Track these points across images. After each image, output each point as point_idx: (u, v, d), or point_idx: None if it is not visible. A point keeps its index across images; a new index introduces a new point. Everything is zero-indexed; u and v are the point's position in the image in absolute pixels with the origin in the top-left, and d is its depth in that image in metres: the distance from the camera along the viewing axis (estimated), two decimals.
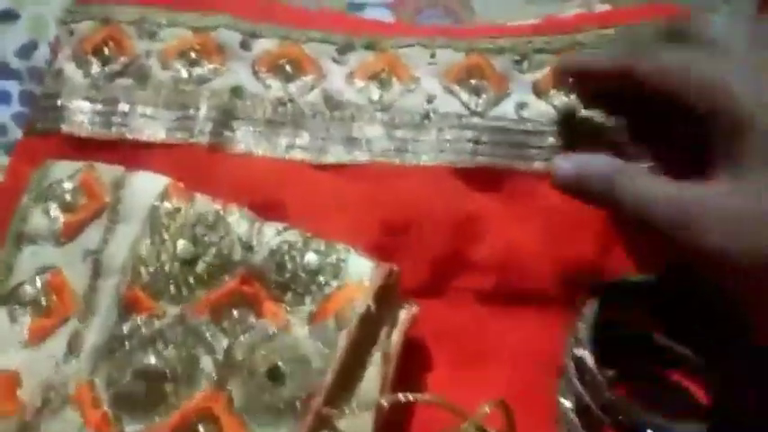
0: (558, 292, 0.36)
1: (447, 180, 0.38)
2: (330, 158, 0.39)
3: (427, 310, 0.34)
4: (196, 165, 0.38)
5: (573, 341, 0.33)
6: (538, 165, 0.38)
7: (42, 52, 0.44)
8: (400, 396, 0.30)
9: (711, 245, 0.26)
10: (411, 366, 0.34)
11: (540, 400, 0.32)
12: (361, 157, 0.39)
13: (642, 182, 0.29)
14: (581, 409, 0.32)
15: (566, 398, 0.33)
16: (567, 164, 0.32)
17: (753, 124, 0.26)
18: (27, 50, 0.44)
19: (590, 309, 0.33)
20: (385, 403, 0.29)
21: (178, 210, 0.32)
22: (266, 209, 0.36)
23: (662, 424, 0.30)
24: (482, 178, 0.38)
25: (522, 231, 0.37)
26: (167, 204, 0.33)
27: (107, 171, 0.34)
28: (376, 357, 0.31)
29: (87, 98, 0.39)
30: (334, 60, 0.42)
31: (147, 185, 0.34)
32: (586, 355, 0.32)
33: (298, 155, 0.39)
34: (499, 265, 0.37)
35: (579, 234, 0.36)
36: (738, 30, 0.29)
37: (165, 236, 0.32)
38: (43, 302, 0.32)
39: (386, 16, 0.46)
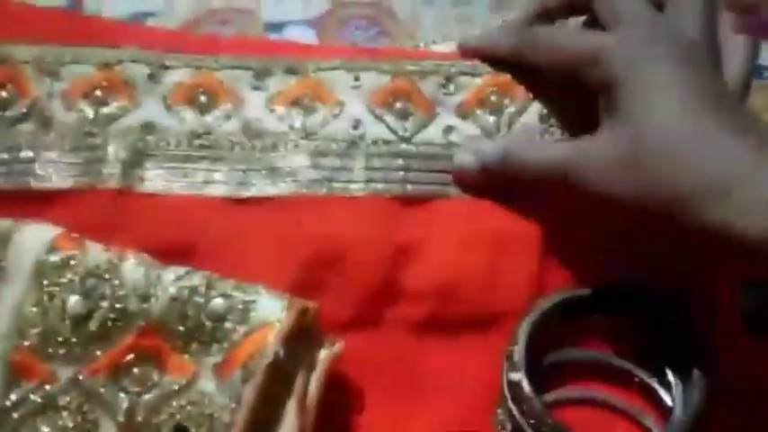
0: (495, 316, 0.33)
1: (376, 209, 0.36)
2: (251, 191, 0.37)
3: (358, 345, 0.32)
4: (105, 211, 0.35)
5: (507, 365, 0.30)
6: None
7: None
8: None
9: (594, 189, 0.29)
10: (342, 408, 0.31)
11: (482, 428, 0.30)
12: (285, 188, 0.37)
13: (530, 147, 0.34)
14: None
15: (503, 427, 0.30)
16: (468, 157, 0.35)
17: (624, 83, 0.29)
18: None
19: (524, 330, 0.31)
20: None
21: (67, 262, 0.30)
22: (181, 252, 0.33)
23: None
24: (412, 206, 0.36)
25: (455, 257, 0.35)
26: (55, 257, 0.30)
27: None
28: (291, 406, 0.28)
29: None
30: (252, 87, 0.39)
31: (33, 238, 0.30)
32: (522, 378, 0.29)
33: (216, 190, 0.37)
34: (433, 293, 0.34)
35: (514, 258, 0.34)
36: (640, 8, 0.32)
37: (54, 292, 0.29)
38: None
39: (308, 34, 0.44)
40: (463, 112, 0.38)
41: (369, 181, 0.37)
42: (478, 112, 0.38)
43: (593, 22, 0.35)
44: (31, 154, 0.37)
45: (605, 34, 0.32)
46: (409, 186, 0.37)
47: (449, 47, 0.41)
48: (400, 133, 0.38)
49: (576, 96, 0.33)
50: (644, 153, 0.28)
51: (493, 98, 0.38)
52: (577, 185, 0.30)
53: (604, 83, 0.30)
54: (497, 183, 0.34)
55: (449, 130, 0.38)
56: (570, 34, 0.34)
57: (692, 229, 0.27)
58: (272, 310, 0.29)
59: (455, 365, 0.33)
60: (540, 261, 0.34)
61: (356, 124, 0.38)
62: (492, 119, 0.38)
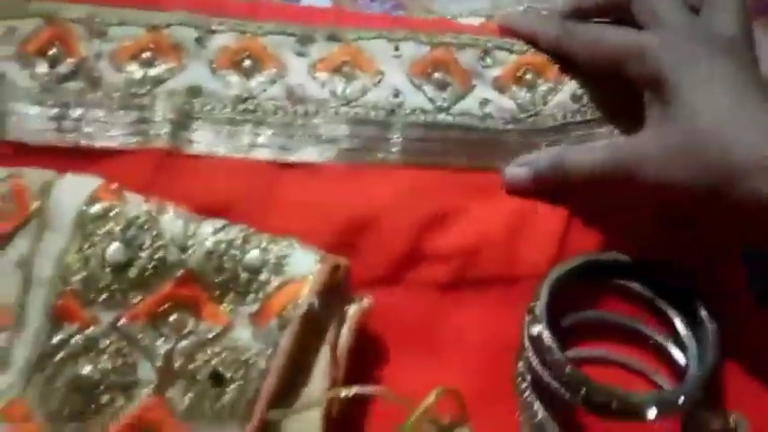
0: (516, 278, 0.34)
1: (411, 179, 0.37)
2: (293, 157, 0.38)
3: (385, 303, 0.33)
4: (152, 170, 0.37)
5: (529, 319, 0.31)
6: (500, 163, 0.38)
7: None
8: (343, 391, 0.28)
9: (653, 180, 0.31)
10: (367, 360, 0.32)
11: (500, 386, 0.32)
12: (325, 155, 0.38)
13: (583, 152, 0.35)
14: (540, 388, 0.30)
15: (524, 379, 0.31)
16: (519, 169, 0.36)
17: (671, 80, 0.32)
18: None
19: (546, 287, 0.32)
20: (329, 399, 0.27)
21: (108, 213, 0.31)
22: (223, 212, 0.34)
23: (625, 395, 0.28)
24: (446, 177, 0.37)
25: (483, 225, 0.36)
26: (96, 208, 0.31)
27: (35, 177, 0.33)
28: (323, 355, 0.29)
29: (36, 102, 0.38)
30: (295, 53, 0.40)
31: (75, 189, 0.32)
32: (543, 330, 0.30)
33: (260, 153, 0.38)
34: (459, 255, 0.35)
35: (537, 223, 0.36)
36: (678, 10, 0.34)
37: (94, 241, 0.30)
38: None
39: (323, 2, 0.44)
40: (500, 86, 0.39)
41: (405, 151, 0.37)
42: (514, 87, 0.39)
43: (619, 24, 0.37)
44: (79, 112, 0.38)
45: (647, 33, 0.34)
46: (445, 157, 0.37)
47: (476, 21, 0.42)
48: (438, 103, 0.38)
49: (611, 85, 0.36)
50: (696, 140, 0.30)
51: (528, 76, 0.39)
52: (635, 180, 0.32)
53: (650, 79, 0.32)
54: (549, 187, 0.36)
55: (485, 102, 0.39)
56: (613, 30, 0.36)
57: (741, 202, 0.29)
58: (305, 264, 0.30)
59: (476, 323, 0.34)
60: (564, 225, 0.35)
61: (396, 93, 0.39)
62: (527, 95, 0.39)
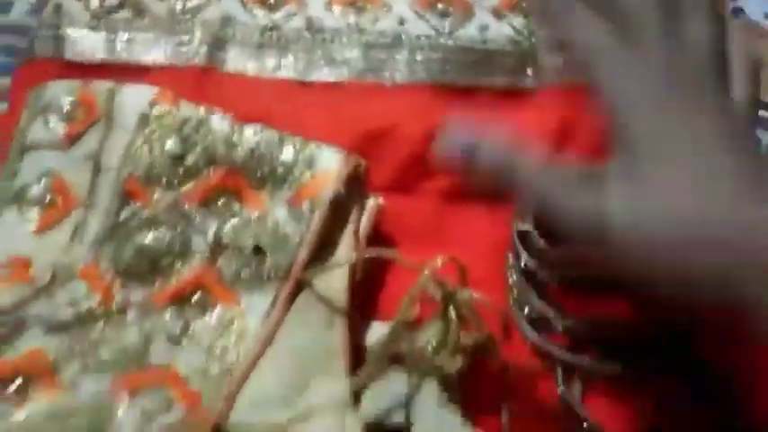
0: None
1: (418, 96, 0.43)
2: (313, 77, 0.43)
3: (395, 206, 0.38)
4: (193, 84, 0.42)
5: (515, 219, 0.37)
6: (499, 81, 0.43)
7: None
8: (366, 253, 0.34)
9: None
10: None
11: (495, 276, 0.37)
12: (340, 75, 0.44)
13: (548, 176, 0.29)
14: (526, 275, 0.36)
15: (513, 271, 0.37)
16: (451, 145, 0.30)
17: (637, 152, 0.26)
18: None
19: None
20: (351, 265, 0.33)
21: (166, 114, 0.36)
22: (255, 120, 0.39)
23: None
24: (449, 94, 0.43)
25: None
26: (156, 109, 0.37)
27: (100, 87, 0.38)
28: (347, 234, 0.35)
29: (89, 27, 0.43)
30: None
31: (137, 95, 0.37)
32: (530, 228, 0.36)
33: (284, 74, 0.44)
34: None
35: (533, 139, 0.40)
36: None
37: (155, 137, 0.36)
38: (47, 200, 0.36)
39: None
40: (498, 13, 0.45)
41: (411, 71, 0.43)
42: (511, 15, 0.45)
43: None
44: (127, 36, 0.44)
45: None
46: (447, 76, 0.43)
47: None
48: (440, 30, 0.44)
49: None
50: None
51: (524, 4, 0.45)
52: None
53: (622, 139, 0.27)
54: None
55: (485, 27, 0.44)
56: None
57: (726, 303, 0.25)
58: (332, 160, 0.36)
59: (473, 226, 0.39)
60: (557, 145, 0.40)
61: (401, 21, 0.45)
62: (523, 21, 0.44)
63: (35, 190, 0.36)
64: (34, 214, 0.36)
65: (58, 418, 0.30)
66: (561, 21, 0.29)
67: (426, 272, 0.32)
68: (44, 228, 0.35)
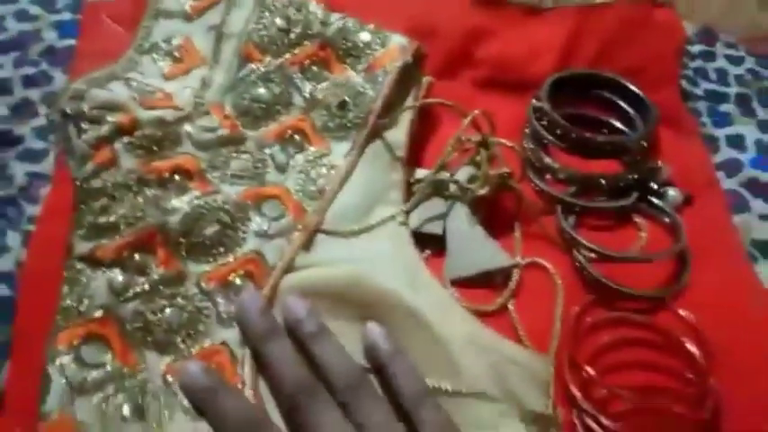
0: (530, 81, 0.52)
1: (463, 3, 0.55)
2: None
3: (439, 89, 0.50)
4: None
5: (534, 99, 0.48)
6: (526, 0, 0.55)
7: None
8: (425, 101, 0.46)
9: None
10: (426, 127, 0.49)
11: (514, 140, 0.48)
12: None
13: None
14: (538, 139, 0.48)
15: (527, 137, 0.49)
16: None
17: None
18: None
19: (549, 82, 0.49)
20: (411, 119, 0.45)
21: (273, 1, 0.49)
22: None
23: (597, 137, 0.46)
24: (489, 4, 0.55)
25: (511, 45, 0.53)
26: None
27: None
28: (410, 98, 0.47)
29: None
30: None
31: None
32: (544, 103, 0.47)
33: None
34: (492, 62, 0.52)
35: (547, 45, 0.53)
36: None
37: (267, 15, 0.48)
38: (176, 54, 0.47)
39: None
40: None
41: None
42: None
43: None
44: None
45: None
46: None
47: None
48: None
49: None
50: None
51: None
52: None
53: None
54: None
55: None
56: None
57: None
58: (401, 41, 0.47)
59: (499, 105, 0.50)
60: (567, 48, 0.52)
61: None
62: None
63: (166, 46, 0.48)
64: (164, 64, 0.47)
65: (200, 210, 0.41)
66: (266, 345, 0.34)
67: (468, 117, 0.43)
68: (172, 76, 0.47)
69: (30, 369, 0.38)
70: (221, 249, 0.39)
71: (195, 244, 0.39)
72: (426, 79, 0.48)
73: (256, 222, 0.41)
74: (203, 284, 0.38)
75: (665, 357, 0.41)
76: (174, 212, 0.40)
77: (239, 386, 0.35)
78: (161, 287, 0.38)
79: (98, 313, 0.37)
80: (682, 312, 0.42)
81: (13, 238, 0.45)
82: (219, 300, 0.38)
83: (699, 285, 0.44)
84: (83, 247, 0.39)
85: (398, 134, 0.45)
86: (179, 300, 0.37)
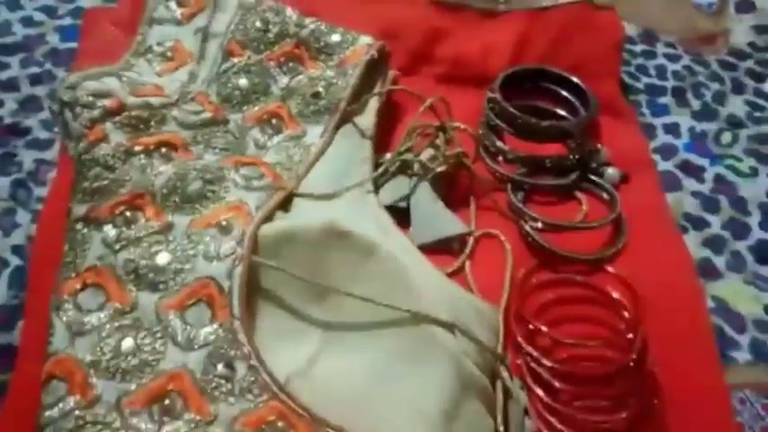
0: (486, 77, 0.57)
1: (424, 8, 0.61)
2: None
3: (402, 83, 0.56)
4: None
5: (489, 91, 0.54)
6: (479, 3, 0.61)
7: None
8: (391, 88, 0.53)
9: None
10: (390, 114, 0.55)
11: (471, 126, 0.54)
12: None
13: None
14: (491, 126, 0.54)
15: (482, 124, 0.54)
16: None
17: None
18: None
19: (501, 76, 0.55)
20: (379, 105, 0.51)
21: (257, 3, 0.55)
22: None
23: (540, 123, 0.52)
24: (448, 8, 0.61)
25: (467, 44, 0.59)
26: (248, 1, 0.55)
27: None
28: (377, 87, 0.53)
29: None
30: None
31: None
32: (497, 94, 0.53)
33: None
34: (452, 60, 0.58)
35: (502, 46, 0.59)
36: None
37: (248, 17, 0.54)
38: (168, 55, 0.53)
39: None
40: None
41: None
42: None
43: None
44: None
45: None
46: None
47: None
48: None
49: None
50: None
51: None
52: None
53: None
54: None
55: None
56: None
57: None
58: (367, 40, 0.54)
59: (457, 97, 0.55)
60: (518, 46, 0.58)
61: None
62: None
63: (159, 48, 0.53)
64: (157, 64, 0.53)
65: (183, 171, 0.46)
66: None
67: (426, 102, 0.49)
68: (163, 72, 0.53)
69: (40, 325, 0.43)
70: (205, 203, 0.44)
71: (180, 199, 0.44)
72: (392, 72, 0.54)
73: (237, 179, 0.46)
74: (190, 230, 0.43)
75: (600, 311, 0.47)
76: (159, 175, 0.45)
77: (228, 317, 0.39)
78: (150, 236, 0.42)
79: (93, 264, 0.42)
80: (612, 270, 0.48)
81: (23, 216, 0.50)
82: (207, 239, 0.42)
83: (632, 251, 0.50)
84: (79, 209, 0.44)
85: (366, 119, 0.51)
86: (167, 245, 0.42)
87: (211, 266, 0.41)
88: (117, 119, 0.47)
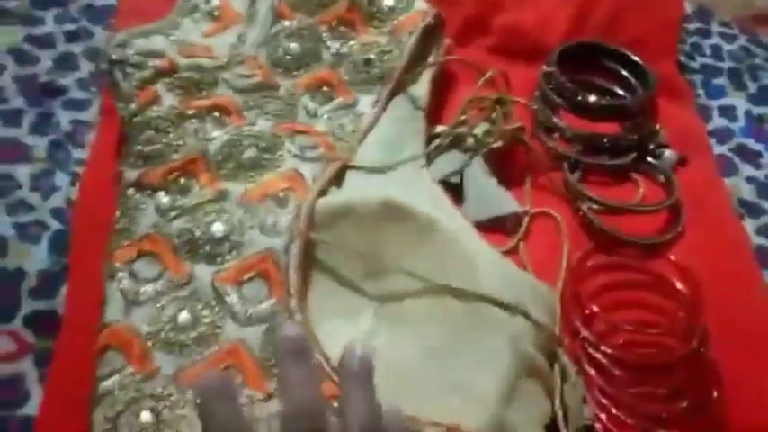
0: (542, 49, 0.56)
1: None
2: None
3: (455, 50, 0.54)
4: None
5: (545, 65, 0.52)
6: None
7: None
8: (445, 58, 0.51)
9: None
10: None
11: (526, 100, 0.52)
12: None
13: None
14: (547, 101, 0.52)
15: (537, 99, 0.53)
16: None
17: None
18: None
19: (557, 51, 0.53)
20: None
21: None
22: None
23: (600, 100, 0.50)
24: None
25: (523, 13, 0.57)
26: None
27: None
28: (432, 56, 0.51)
29: None
30: None
31: None
32: (554, 69, 0.51)
33: None
34: (505, 31, 0.56)
35: (559, 17, 0.57)
36: None
37: None
38: (215, 14, 0.51)
39: None
40: None
41: None
42: None
43: None
44: None
45: None
46: None
47: None
48: None
49: None
50: None
51: None
52: None
53: None
54: None
55: None
56: None
57: None
58: (422, 6, 0.52)
59: (514, 69, 0.54)
60: (578, 19, 0.56)
61: None
62: None
63: (205, 7, 0.51)
64: (204, 24, 0.51)
65: (237, 138, 0.45)
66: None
67: (485, 75, 0.48)
68: (210, 33, 0.50)
69: (86, 293, 0.42)
70: (260, 171, 0.43)
71: (235, 167, 0.43)
72: (446, 41, 0.52)
73: (292, 149, 0.44)
74: (246, 199, 0.41)
75: (659, 297, 0.46)
76: (213, 141, 0.44)
77: (285, 294, 0.38)
78: (204, 205, 0.41)
79: (148, 232, 0.40)
80: (672, 257, 0.47)
81: (61, 179, 0.48)
82: (263, 211, 0.41)
83: (690, 235, 0.48)
84: (131, 175, 0.43)
85: (420, 89, 0.49)
86: (222, 215, 0.41)
87: (268, 240, 0.40)
88: (168, 80, 0.46)
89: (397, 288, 0.41)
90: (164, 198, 0.41)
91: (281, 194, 0.42)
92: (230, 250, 0.39)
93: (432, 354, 0.39)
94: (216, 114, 0.45)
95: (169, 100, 0.45)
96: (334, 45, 0.50)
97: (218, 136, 0.44)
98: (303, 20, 0.51)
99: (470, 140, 0.49)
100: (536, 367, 0.39)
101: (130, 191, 0.42)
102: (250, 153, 0.43)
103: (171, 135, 0.44)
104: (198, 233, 0.40)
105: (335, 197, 0.43)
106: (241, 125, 0.45)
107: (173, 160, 0.43)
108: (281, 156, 0.44)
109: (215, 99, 0.46)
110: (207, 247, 0.40)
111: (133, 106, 0.45)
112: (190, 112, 0.45)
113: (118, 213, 0.41)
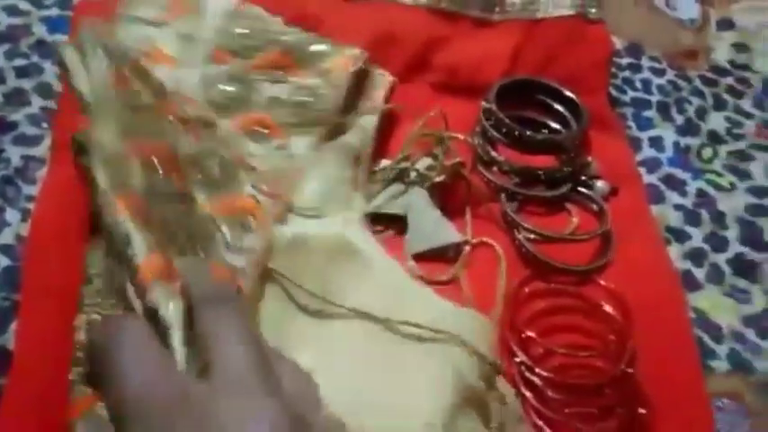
0: (481, 86, 0.58)
1: (421, 15, 0.61)
2: None
3: (399, 90, 0.56)
4: None
5: (485, 101, 0.55)
6: (474, 12, 0.61)
7: None
8: (384, 107, 0.53)
9: None
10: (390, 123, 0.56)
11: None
12: None
13: None
14: (486, 135, 0.55)
15: (476, 134, 0.55)
16: None
17: None
18: None
19: (495, 88, 0.56)
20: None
21: (240, 11, 0.55)
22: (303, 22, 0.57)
23: (537, 135, 0.53)
24: (445, 16, 0.61)
25: (464, 52, 0.60)
26: (234, 8, 0.55)
27: None
28: (371, 98, 0.53)
29: None
30: None
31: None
32: (492, 105, 0.54)
33: None
34: (446, 67, 0.59)
35: (498, 53, 0.60)
36: None
37: (232, 27, 0.54)
38: (143, 57, 0.51)
39: None
40: None
41: None
42: None
43: None
44: None
45: None
46: (443, 4, 0.61)
47: None
48: None
49: None
50: None
51: None
52: None
53: None
54: None
55: None
56: None
57: None
58: (353, 50, 0.54)
59: (453, 106, 0.56)
60: (514, 56, 0.59)
61: None
62: None
63: (135, 48, 0.52)
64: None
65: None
66: None
67: (426, 116, 0.50)
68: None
69: (36, 328, 0.43)
70: (226, 186, 0.45)
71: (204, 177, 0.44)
72: (390, 80, 0.55)
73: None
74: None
75: (591, 322, 0.48)
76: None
77: None
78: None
79: None
80: (603, 283, 0.49)
81: (12, 215, 0.49)
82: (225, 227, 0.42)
83: (621, 262, 0.51)
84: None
85: (355, 136, 0.51)
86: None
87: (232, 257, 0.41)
88: None
89: (340, 321, 0.43)
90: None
91: (243, 215, 0.43)
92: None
93: (372, 387, 0.40)
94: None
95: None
96: (269, 89, 0.52)
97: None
98: (237, 63, 0.52)
99: (413, 174, 0.51)
100: (475, 395, 0.41)
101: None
102: (216, 169, 0.45)
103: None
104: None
105: (291, 228, 0.45)
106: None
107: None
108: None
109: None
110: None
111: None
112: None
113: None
